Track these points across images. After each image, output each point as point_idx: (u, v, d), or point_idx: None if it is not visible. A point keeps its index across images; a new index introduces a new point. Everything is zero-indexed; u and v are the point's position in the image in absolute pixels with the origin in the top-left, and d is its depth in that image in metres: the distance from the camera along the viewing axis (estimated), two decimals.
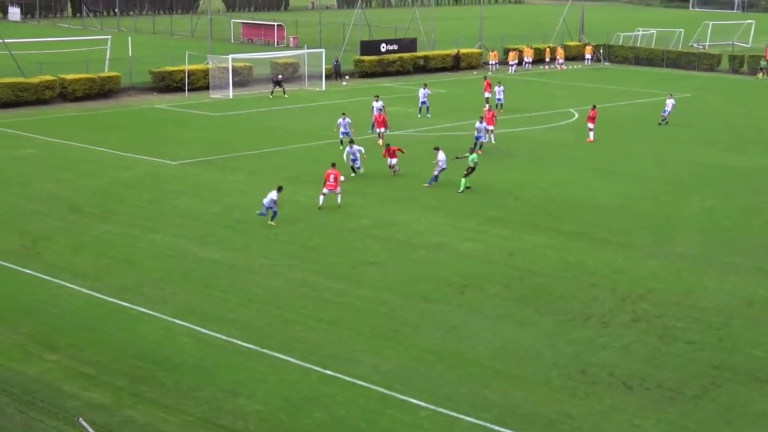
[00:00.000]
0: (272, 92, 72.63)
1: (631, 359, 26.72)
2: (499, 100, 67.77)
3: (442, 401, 23.93)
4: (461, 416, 23.27)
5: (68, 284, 31.76)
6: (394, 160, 46.59)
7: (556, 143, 56.45)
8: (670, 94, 65.00)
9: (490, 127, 54.61)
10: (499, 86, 68.52)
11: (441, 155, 44.85)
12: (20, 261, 33.99)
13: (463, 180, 44.44)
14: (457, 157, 45.63)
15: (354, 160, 46.06)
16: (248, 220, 39.42)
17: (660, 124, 62.92)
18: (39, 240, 36.52)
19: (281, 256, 35.05)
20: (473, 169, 44.69)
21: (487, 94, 68.18)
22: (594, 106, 58.05)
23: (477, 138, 51.98)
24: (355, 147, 46.15)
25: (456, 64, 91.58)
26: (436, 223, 39.35)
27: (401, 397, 24.19)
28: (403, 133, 57.85)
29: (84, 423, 16.21)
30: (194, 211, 40.85)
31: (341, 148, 50.18)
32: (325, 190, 40.59)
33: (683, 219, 41.11)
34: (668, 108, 63.09)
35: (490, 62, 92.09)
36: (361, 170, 46.19)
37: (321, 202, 40.65)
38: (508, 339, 27.95)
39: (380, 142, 53.05)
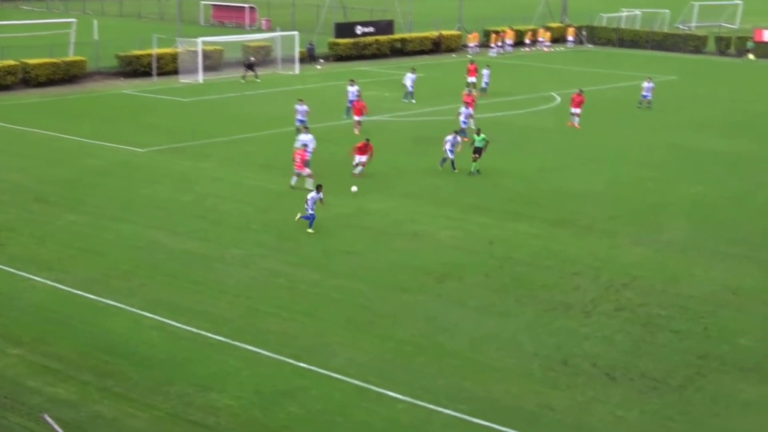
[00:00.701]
0: (244, 76, 72.66)
1: (614, 349, 26.87)
2: (486, 83, 68.08)
3: (420, 393, 24.00)
4: (439, 409, 23.35)
5: (33, 276, 31.65)
6: (364, 158, 44.25)
7: (538, 128, 56.63)
8: (649, 78, 65.23)
9: (461, 110, 54.89)
10: (486, 69, 68.94)
11: (449, 138, 45.53)
12: None
13: (473, 163, 45.16)
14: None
15: (308, 153, 44.40)
16: (220, 209, 39.41)
17: (638, 107, 63.18)
18: (1, 231, 36.34)
19: (254, 246, 35.06)
20: (481, 150, 45.24)
21: (471, 79, 68.41)
22: (581, 91, 58.25)
23: (463, 123, 52.20)
24: (309, 136, 45.08)
25: (437, 46, 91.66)
26: (414, 211, 39.43)
27: (378, 389, 24.25)
28: (386, 118, 57.81)
29: (49, 419, 16.25)
30: (164, 200, 40.80)
31: (296, 137, 48.30)
32: (296, 171, 41.67)
33: (669, 206, 41.33)
34: (646, 92, 63.44)
35: (470, 45, 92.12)
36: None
37: (293, 182, 41.58)
38: (488, 330, 28.07)
39: (356, 131, 53.07)
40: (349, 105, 57.12)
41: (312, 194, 36.34)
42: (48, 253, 34.05)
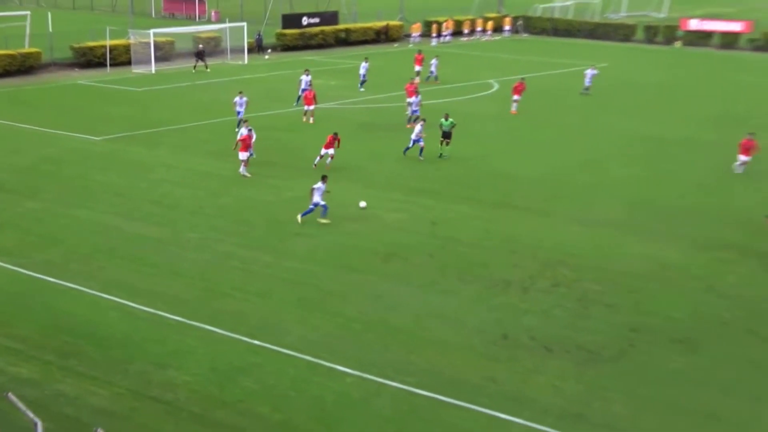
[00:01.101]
0: (195, 66, 72.32)
1: (551, 323, 27.22)
2: (432, 72, 68.27)
3: (369, 368, 24.22)
4: (387, 382, 23.57)
5: None
6: (331, 150, 42.85)
7: (478, 115, 56.80)
8: (593, 66, 65.77)
9: (411, 99, 54.96)
10: (435, 59, 69.19)
11: (418, 127, 45.14)
12: None
13: (443, 147, 45.58)
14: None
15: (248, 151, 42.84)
16: (174, 195, 39.32)
17: (581, 93, 63.77)
18: None
19: (208, 230, 35.04)
20: (450, 133, 45.54)
21: (417, 68, 68.35)
22: (522, 79, 58.61)
23: (414, 112, 52.24)
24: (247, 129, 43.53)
25: (384, 36, 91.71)
26: (361, 195, 39.41)
27: (329, 364, 24.44)
28: (333, 105, 57.84)
29: (14, 398, 16.31)
30: (119, 187, 40.60)
31: (237, 130, 47.78)
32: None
33: (603, 187, 41.70)
34: (588, 79, 63.98)
35: (413, 35, 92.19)
36: (253, 156, 43.20)
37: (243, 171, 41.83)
38: (432, 307, 28.32)
39: (309, 119, 53.02)
40: (300, 94, 56.86)
41: (319, 185, 35.37)
42: (7, 239, 33.83)
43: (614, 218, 37.26)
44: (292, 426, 21.68)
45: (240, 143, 41.31)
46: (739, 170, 43.77)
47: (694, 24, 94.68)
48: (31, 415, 15.42)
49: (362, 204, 36.67)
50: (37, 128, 51.74)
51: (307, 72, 59.01)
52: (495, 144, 49.26)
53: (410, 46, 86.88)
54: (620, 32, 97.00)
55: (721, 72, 77.23)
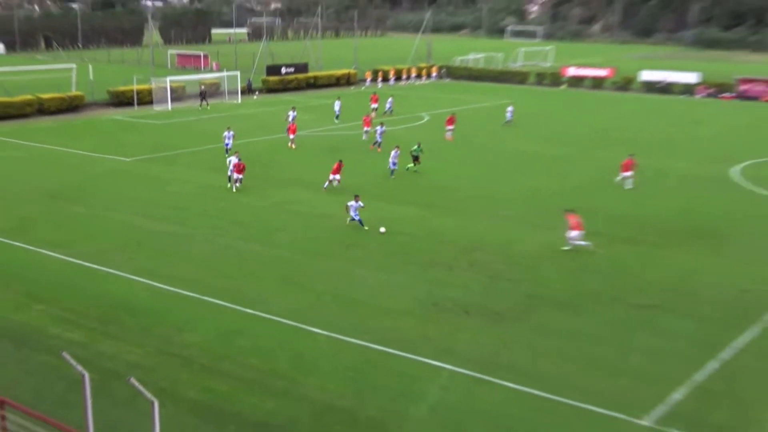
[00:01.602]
0: (200, 104, 71.92)
1: (469, 293, 27.39)
2: (388, 108, 68.00)
3: (335, 329, 24.25)
4: (349, 339, 23.66)
5: (50, 253, 31.15)
6: (337, 176, 40.68)
7: (413, 139, 56.77)
8: (511, 104, 65.76)
9: (366, 129, 54.87)
10: (390, 98, 69.24)
11: (394, 152, 44.24)
12: (12, 236, 33.21)
13: (412, 165, 45.37)
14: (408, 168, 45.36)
15: (233, 171, 40.97)
16: (185, 201, 39.08)
17: (503, 125, 63.26)
18: (27, 220, 35.69)
19: (211, 228, 34.86)
20: (418, 156, 45.43)
21: (373, 105, 67.50)
22: (453, 113, 58.67)
23: (379, 139, 51.51)
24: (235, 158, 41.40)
25: (347, 80, 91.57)
26: (329, 200, 39.45)
27: (305, 327, 24.44)
28: (306, 133, 57.56)
29: (67, 356, 16.12)
30: (144, 196, 40.28)
31: (227, 156, 46.03)
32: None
33: (509, 193, 41.85)
34: (509, 114, 63.69)
35: (367, 80, 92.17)
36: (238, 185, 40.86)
37: (236, 186, 40.71)
38: (382, 282, 28.38)
39: (291, 145, 52.26)
40: (290, 123, 55.67)
41: (351, 203, 33.90)
42: (61, 235, 33.47)
43: (515, 215, 37.52)
44: (277, 373, 21.64)
45: (234, 167, 40.68)
46: (629, 185, 42.06)
47: (572, 71, 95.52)
48: (80, 368, 15.23)
49: (382, 230, 33.71)
50: (82, 152, 51.15)
51: (293, 108, 58.69)
52: (426, 161, 49.19)
53: (363, 89, 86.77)
54: (517, 77, 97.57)
55: (592, 106, 77.95)
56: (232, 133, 49.47)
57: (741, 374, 21.92)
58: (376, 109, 67.04)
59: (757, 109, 76.65)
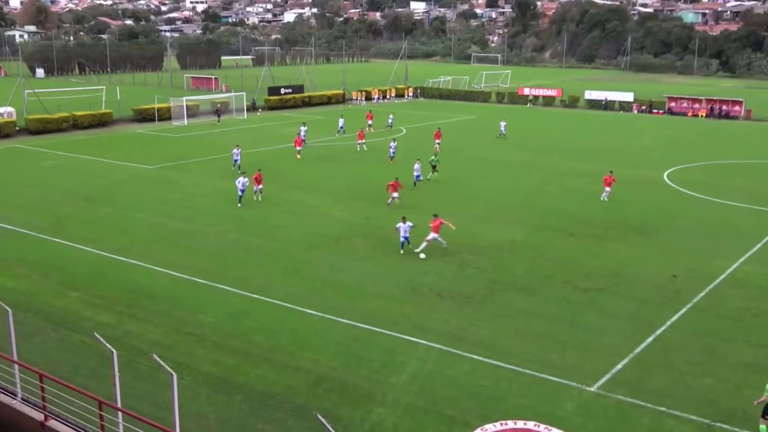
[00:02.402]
0: (218, 119, 71.50)
1: (441, 279, 27.28)
2: (390, 124, 66.95)
3: (327, 310, 24.10)
4: (339, 319, 23.50)
5: (83, 247, 30.80)
6: (396, 194, 37.52)
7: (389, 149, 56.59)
8: (504, 119, 64.52)
9: (360, 141, 54.31)
10: (391, 115, 68.30)
11: (416, 165, 42.77)
12: (51, 233, 32.85)
13: (433, 174, 43.97)
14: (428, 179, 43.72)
15: (242, 190, 37.80)
16: (200, 203, 38.73)
17: (498, 137, 61.87)
18: (63, 219, 35.27)
19: (222, 225, 34.55)
20: (436, 165, 44.24)
21: (369, 122, 65.39)
22: (439, 128, 57.73)
23: (393, 151, 50.09)
24: (245, 179, 38.16)
25: (342, 99, 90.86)
26: (322, 201, 39.29)
27: (301, 309, 24.28)
28: (312, 144, 57.27)
29: (98, 336, 15.89)
30: (164, 198, 39.90)
31: (238, 171, 42.86)
32: (394, 194, 37.48)
33: (476, 193, 41.75)
34: (502, 128, 62.31)
35: (353, 99, 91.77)
36: (239, 206, 37.57)
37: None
38: (367, 271, 28.20)
39: (298, 156, 50.85)
40: (303, 138, 54.61)
41: (400, 225, 29.94)
42: (93, 232, 33.10)
43: (480, 213, 37.37)
44: (278, 348, 21.48)
45: (255, 179, 38.45)
46: (604, 197, 39.61)
47: (527, 91, 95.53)
48: (109, 346, 15.02)
49: (422, 256, 29.50)
50: (110, 161, 50.61)
51: (303, 124, 57.89)
52: (405, 167, 48.99)
53: (350, 106, 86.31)
54: (481, 96, 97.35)
55: (544, 121, 77.95)
56: (240, 150, 47.34)
57: (673, 347, 21.92)
58: (371, 125, 65.25)
59: (683, 123, 76.98)
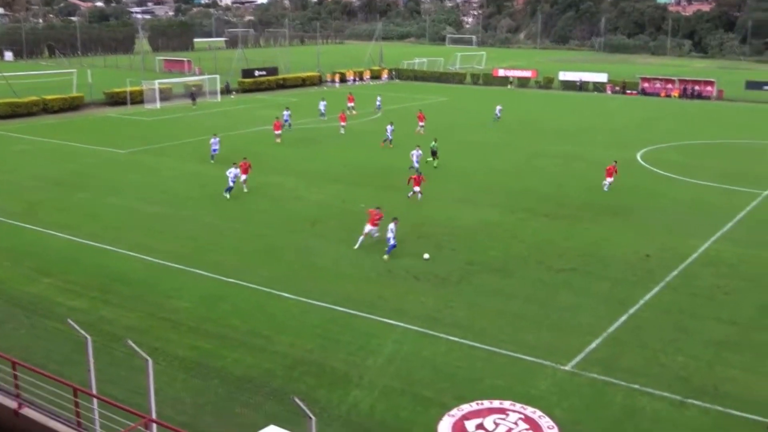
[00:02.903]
0: (193, 102, 70.50)
1: (416, 261, 27.24)
2: (378, 106, 66.26)
3: (303, 293, 24.07)
4: (315, 302, 23.48)
5: (55, 233, 30.46)
6: (417, 188, 35.61)
7: (367, 131, 56.48)
8: (500, 104, 63.64)
9: (343, 124, 53.96)
10: (378, 98, 67.48)
11: (415, 152, 41.14)
12: (22, 219, 32.42)
13: (434, 160, 42.76)
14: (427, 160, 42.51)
15: (233, 181, 36.01)
16: (174, 187, 38.42)
17: (494, 121, 61.25)
18: (34, 205, 34.80)
19: (197, 209, 34.31)
20: (436, 151, 42.97)
21: (350, 104, 64.46)
22: (420, 110, 56.95)
23: (389, 137, 49.03)
24: (236, 170, 36.40)
25: (319, 81, 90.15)
26: (298, 185, 39.10)
27: (277, 292, 24.23)
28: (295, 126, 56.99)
29: (71, 322, 15.73)
30: (138, 182, 39.51)
31: (212, 162, 43.00)
32: (416, 188, 35.50)
33: (451, 175, 41.49)
34: (497, 112, 61.93)
35: (328, 81, 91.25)
36: (227, 196, 36.00)
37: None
38: (343, 253, 28.17)
39: (276, 140, 49.98)
40: (287, 122, 54.12)
41: (391, 225, 27.77)
42: (65, 217, 32.74)
43: (455, 195, 37.43)
44: (255, 332, 21.44)
45: (241, 167, 36.59)
46: (605, 188, 38.06)
47: (501, 72, 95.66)
48: (83, 332, 14.89)
49: (426, 256, 27.64)
50: (82, 145, 49.95)
51: (287, 108, 57.10)
52: (382, 150, 49.03)
53: (325, 89, 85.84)
54: (456, 78, 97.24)
55: (519, 101, 78.07)
56: (218, 138, 44.38)
57: (645, 326, 22.19)
58: (352, 108, 64.30)
59: (656, 103, 77.57)
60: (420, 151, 41.82)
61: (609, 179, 38.32)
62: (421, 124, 55.31)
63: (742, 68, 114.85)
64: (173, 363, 19.46)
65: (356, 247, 28.48)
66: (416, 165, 40.71)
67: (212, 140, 44.50)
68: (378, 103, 67.73)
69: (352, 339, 21.03)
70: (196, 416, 17.12)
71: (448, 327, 21.83)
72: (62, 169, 42.58)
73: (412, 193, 35.97)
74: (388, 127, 50.07)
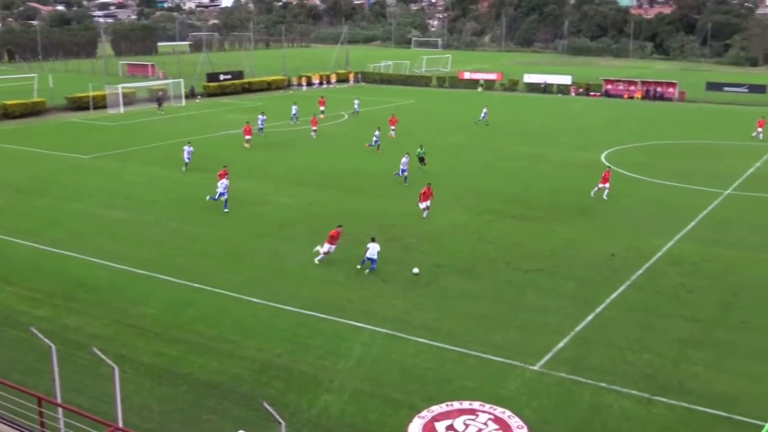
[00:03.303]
0: (159, 108, 69.50)
1: (386, 263, 27.18)
2: (356, 110, 66.02)
3: (271, 298, 23.94)
4: (284, 306, 23.36)
5: (17, 240, 29.93)
6: (427, 203, 33.39)
7: (336, 134, 56.49)
8: (486, 106, 63.92)
9: (314, 128, 53.78)
10: (356, 101, 67.51)
11: (404, 159, 39.99)
12: None
13: (422, 166, 42.20)
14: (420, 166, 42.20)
15: (224, 192, 34.57)
16: (139, 192, 38.01)
17: (477, 122, 61.52)
18: None
19: (163, 214, 33.98)
20: (423, 158, 42.43)
21: (321, 108, 64.37)
22: (393, 115, 56.84)
23: (376, 142, 48.88)
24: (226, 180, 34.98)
25: (287, 84, 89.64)
26: (266, 188, 38.96)
27: (245, 297, 24.06)
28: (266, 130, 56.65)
29: (34, 330, 15.46)
30: (101, 188, 39.00)
31: (183, 170, 42.37)
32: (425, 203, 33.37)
33: (415, 178, 41.73)
34: (483, 114, 62.09)
35: (294, 84, 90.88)
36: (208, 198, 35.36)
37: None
38: (310, 257, 27.91)
39: (245, 145, 49.48)
40: (261, 127, 53.64)
41: (372, 245, 26.38)
42: (27, 224, 32.18)
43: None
44: (222, 337, 21.25)
45: (218, 176, 35.18)
46: (605, 196, 37.05)
47: (467, 75, 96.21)
48: (46, 341, 14.64)
49: (415, 270, 26.49)
50: (44, 151, 49.21)
51: (262, 113, 56.58)
52: (349, 153, 49.01)
53: (290, 92, 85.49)
54: (422, 81, 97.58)
55: (485, 103, 78.49)
56: (191, 148, 43.09)
57: (612, 324, 22.44)
58: (323, 112, 64.01)
59: (619, 105, 78.61)
60: (408, 158, 40.59)
61: (603, 185, 37.10)
62: (392, 128, 55.32)
63: (703, 70, 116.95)
64: (140, 370, 19.21)
65: (316, 262, 27.32)
66: (403, 172, 39.82)
67: (185, 148, 43.24)
68: (356, 106, 67.65)
69: (321, 343, 20.95)
70: (163, 423, 16.92)
71: (417, 329, 21.84)
72: (23, 175, 41.86)
73: (426, 212, 33.41)
74: (376, 133, 49.83)
